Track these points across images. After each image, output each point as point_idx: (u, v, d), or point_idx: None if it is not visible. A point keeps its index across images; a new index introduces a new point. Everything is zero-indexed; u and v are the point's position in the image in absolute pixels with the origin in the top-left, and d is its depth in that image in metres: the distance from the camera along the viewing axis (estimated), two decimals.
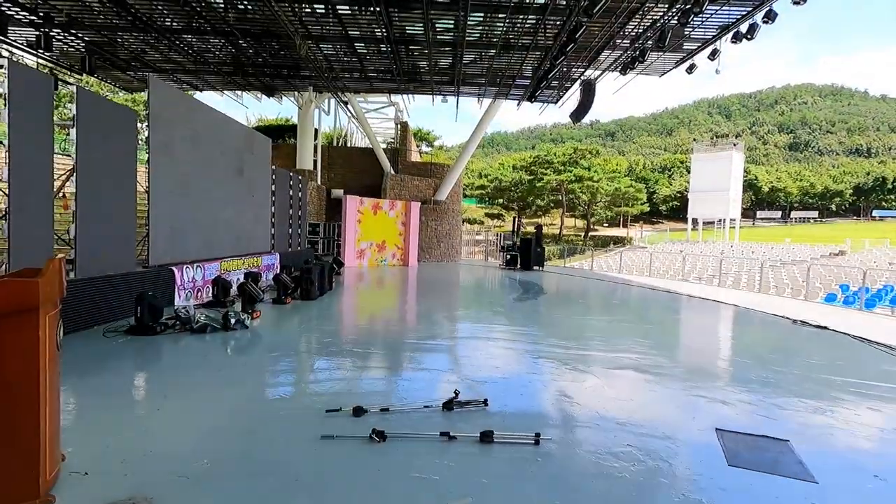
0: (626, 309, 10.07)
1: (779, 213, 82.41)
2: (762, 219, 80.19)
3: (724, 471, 2.88)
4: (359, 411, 3.41)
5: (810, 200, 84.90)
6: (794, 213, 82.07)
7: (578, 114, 14.97)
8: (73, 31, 13.17)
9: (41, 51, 13.65)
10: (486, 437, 3.09)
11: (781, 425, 3.64)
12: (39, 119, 5.07)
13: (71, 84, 16.14)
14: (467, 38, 12.95)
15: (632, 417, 3.65)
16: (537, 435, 3.12)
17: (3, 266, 4.78)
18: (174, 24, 12.67)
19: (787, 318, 8.95)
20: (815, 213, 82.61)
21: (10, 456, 2.12)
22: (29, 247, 4.85)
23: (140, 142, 6.99)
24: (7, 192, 4.73)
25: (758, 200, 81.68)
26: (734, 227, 45.19)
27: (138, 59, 15.37)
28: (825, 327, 8.01)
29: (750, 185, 74.78)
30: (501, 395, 4.04)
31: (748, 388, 4.58)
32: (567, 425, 3.49)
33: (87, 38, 13.76)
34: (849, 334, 7.53)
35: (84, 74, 15.81)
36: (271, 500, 2.36)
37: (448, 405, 3.60)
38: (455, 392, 3.69)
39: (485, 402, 3.71)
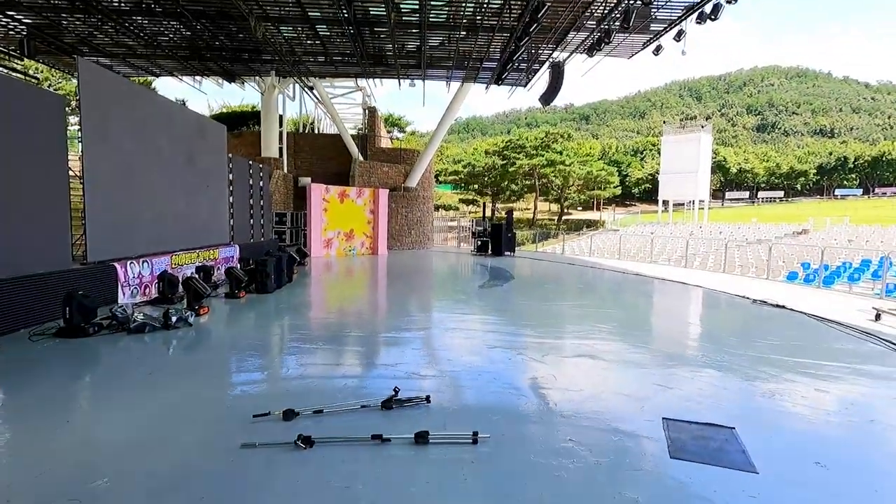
0: (590, 293, 10.05)
1: (746, 194, 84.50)
2: (731, 199, 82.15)
3: (665, 464, 2.77)
4: (289, 415, 3.20)
5: (776, 181, 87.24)
6: (760, 194, 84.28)
7: (548, 97, 14.80)
8: (10, 13, 12.33)
9: None
10: (421, 438, 2.92)
11: (729, 411, 3.57)
12: None
13: (17, 71, 15.23)
14: (433, 20, 12.60)
15: (579, 409, 3.53)
16: (475, 434, 2.97)
17: None
18: (121, 5, 11.96)
19: (748, 298, 9.05)
20: (781, 193, 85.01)
21: None
22: None
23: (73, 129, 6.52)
24: None
25: (727, 181, 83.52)
26: (703, 209, 46.07)
27: (85, 43, 14.53)
28: (783, 306, 8.11)
29: (719, 167, 76.32)
30: (447, 389, 3.89)
31: (702, 372, 4.53)
32: (510, 421, 3.34)
33: (26, 21, 12.89)
34: (805, 313, 7.63)
35: (26, 59, 14.90)
36: None
37: (387, 404, 3.42)
38: (395, 389, 3.51)
39: (427, 398, 3.54)
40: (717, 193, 79.40)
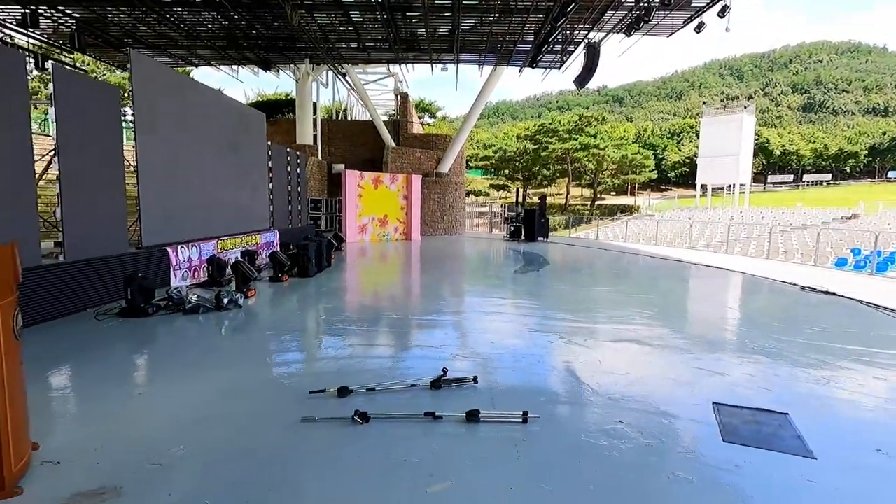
0: (629, 279, 9.91)
1: (791, 177, 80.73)
2: (773, 183, 78.67)
3: (718, 448, 2.77)
4: (343, 392, 3.33)
5: (823, 163, 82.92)
6: (806, 177, 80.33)
7: (583, 79, 14.47)
8: (61, 8, 12.85)
9: (30, 29, 13.37)
10: (472, 417, 3.00)
11: (782, 397, 3.51)
12: (14, 97, 4.90)
13: (66, 64, 15.91)
14: (466, 3, 12.46)
15: (627, 392, 3.54)
16: (525, 413, 3.03)
17: None
18: None
19: (795, 284, 8.75)
20: (829, 176, 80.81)
21: None
22: (13, 230, 4.77)
23: (126, 119, 6.81)
24: None
25: (769, 164, 79.96)
26: (744, 193, 44.36)
27: (130, 35, 15.04)
28: (833, 293, 7.82)
29: (761, 149, 73.07)
30: (493, 371, 3.95)
31: (750, 358, 4.45)
32: (558, 402, 3.39)
33: (75, 15, 13.42)
34: (858, 300, 7.34)
35: (76, 53, 15.51)
36: (241, 485, 2.29)
37: (436, 384, 3.51)
38: (443, 370, 3.60)
39: (474, 379, 3.62)
40: (759, 177, 76.14)
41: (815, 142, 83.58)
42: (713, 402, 3.36)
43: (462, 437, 2.84)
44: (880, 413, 3.32)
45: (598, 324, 5.74)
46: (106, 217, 6.23)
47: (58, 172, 5.44)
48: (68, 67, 14.98)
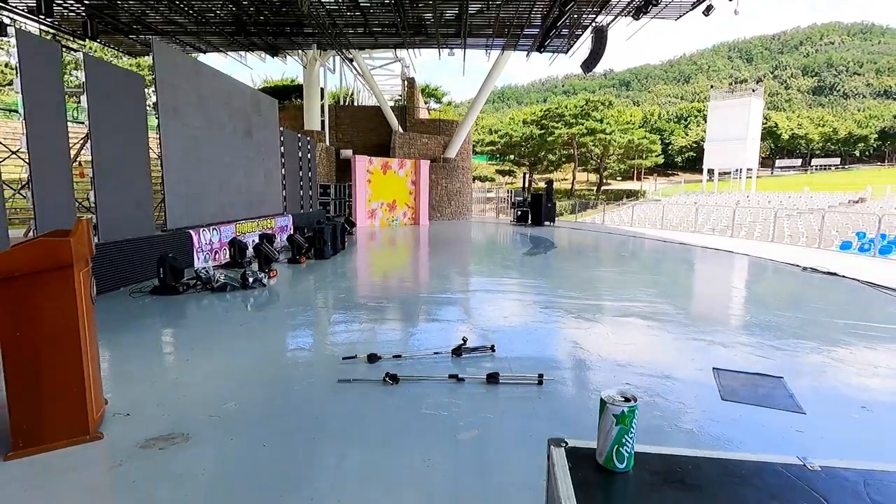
0: (635, 261, 10.15)
1: (799, 162, 80.00)
2: (781, 167, 77.99)
3: (717, 404, 3.05)
4: (373, 358, 3.63)
5: (832, 147, 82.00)
6: (815, 161, 79.55)
7: (590, 63, 14.53)
8: None
9: (42, 16, 13.54)
10: (493, 379, 3.29)
11: (777, 364, 3.78)
12: (51, 87, 5.16)
13: (75, 51, 16.09)
14: None
15: (633, 360, 3.82)
16: (540, 376, 3.31)
17: (32, 232, 5.01)
18: None
19: (798, 265, 8.97)
20: (838, 161, 79.99)
21: (59, 398, 2.36)
22: (52, 213, 5.07)
23: (148, 107, 7.05)
24: (28, 161, 4.90)
25: (777, 148, 79.17)
26: (751, 177, 44.16)
27: (139, 22, 15.19)
28: (834, 273, 8.03)
29: (769, 133, 72.30)
30: (508, 342, 4.24)
31: (750, 331, 4.72)
32: (569, 367, 3.68)
33: (86, 2, 13.59)
34: (858, 280, 7.56)
35: (87, 40, 15.68)
36: (295, 434, 2.60)
37: (457, 351, 3.80)
38: (463, 339, 3.88)
39: (492, 347, 3.91)
40: (767, 161, 75.50)
41: (824, 125, 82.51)
42: (714, 368, 3.64)
43: (484, 395, 3.14)
44: (868, 377, 3.59)
45: (604, 301, 6.00)
46: (134, 201, 6.52)
47: (91, 159, 5.71)
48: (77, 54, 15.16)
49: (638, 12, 13.39)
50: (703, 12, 14.10)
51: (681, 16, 15.19)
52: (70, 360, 2.34)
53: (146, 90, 6.96)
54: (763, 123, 52.16)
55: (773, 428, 2.75)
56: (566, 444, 0.82)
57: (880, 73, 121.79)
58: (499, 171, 60.10)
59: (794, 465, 0.78)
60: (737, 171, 44.70)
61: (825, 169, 76.64)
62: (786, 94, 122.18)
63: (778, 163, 78.69)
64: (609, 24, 14.37)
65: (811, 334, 4.61)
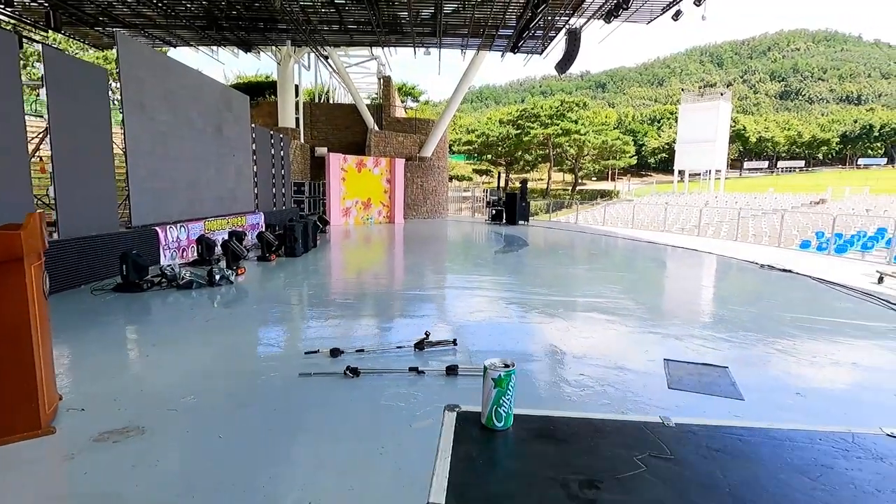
0: (602, 259, 10.40)
1: (766, 164, 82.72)
2: (749, 169, 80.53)
3: (663, 393, 3.21)
4: (335, 352, 3.68)
5: (797, 150, 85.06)
6: (780, 163, 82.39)
7: (564, 64, 14.78)
8: None
9: (2, 6, 13.09)
10: (452, 371, 3.38)
11: (725, 355, 3.98)
12: (7, 78, 5.03)
13: (37, 42, 15.57)
14: None
15: (589, 352, 3.96)
16: None
17: None
18: None
19: (757, 263, 9.33)
20: (802, 163, 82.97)
21: (11, 392, 2.35)
22: (8, 210, 4.94)
23: (114, 102, 6.92)
24: None
25: (745, 151, 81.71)
26: (720, 179, 45.50)
27: (106, 14, 14.79)
28: (790, 271, 8.40)
29: (738, 136, 74.53)
30: (471, 336, 4.34)
31: (703, 325, 4.93)
32: (528, 359, 3.79)
33: None
34: (811, 276, 7.92)
35: (50, 31, 15.21)
36: (252, 426, 2.64)
37: (419, 345, 3.88)
38: (426, 333, 3.96)
39: (454, 341, 4.00)
40: (736, 163, 77.88)
41: (789, 129, 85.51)
42: (664, 359, 3.80)
43: (442, 387, 3.22)
44: (806, 366, 3.81)
45: (569, 297, 6.17)
46: (97, 197, 6.39)
47: (50, 153, 5.59)
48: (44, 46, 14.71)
49: (609, 16, 13.67)
50: (673, 17, 14.49)
51: (652, 20, 15.56)
52: (20, 355, 2.33)
53: (111, 84, 6.83)
54: (732, 126, 53.76)
55: (712, 413, 2.91)
56: (459, 408, 0.90)
57: (843, 80, 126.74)
58: (476, 171, 60.43)
59: (653, 423, 0.88)
60: (706, 172, 45.98)
61: (790, 171, 79.42)
62: (754, 98, 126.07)
63: (746, 164, 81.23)
64: (582, 26, 14.64)
65: (760, 327, 4.84)
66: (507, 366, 0.87)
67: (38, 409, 2.42)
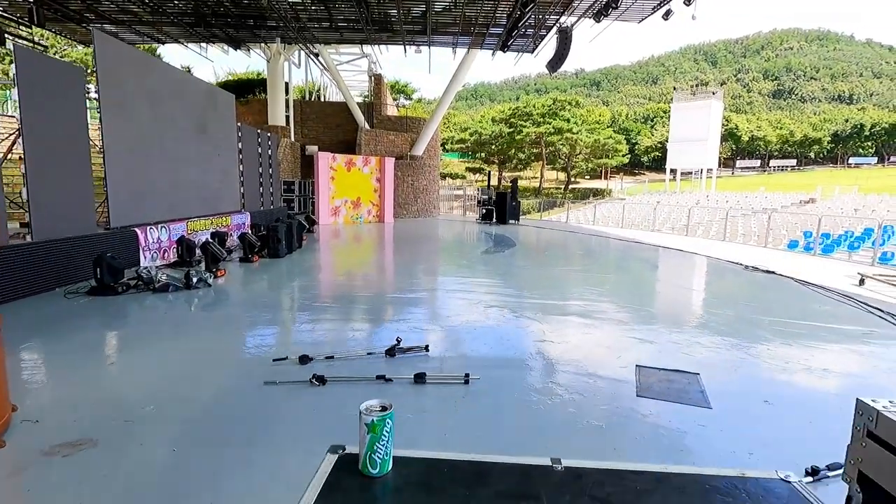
0: (588, 259, 10.39)
1: (758, 163, 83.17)
2: (742, 168, 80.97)
3: (631, 401, 3.19)
4: (304, 359, 3.63)
5: (789, 149, 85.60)
6: (773, 162, 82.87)
7: (555, 63, 14.74)
8: None
9: None
10: (420, 379, 3.35)
11: (697, 360, 3.96)
12: None
13: (24, 39, 15.35)
14: None
15: (561, 358, 3.94)
16: (466, 375, 3.39)
17: None
18: None
19: (741, 264, 9.36)
20: (794, 162, 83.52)
21: None
22: None
23: (91, 100, 6.82)
24: None
25: (738, 150, 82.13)
26: (711, 177, 45.69)
27: (91, 10, 14.61)
28: (773, 272, 8.42)
29: (730, 135, 74.91)
30: (445, 341, 4.31)
31: (681, 329, 4.92)
32: (500, 367, 3.76)
33: None
34: (793, 278, 7.95)
35: (34, 27, 14.99)
36: (208, 438, 2.59)
37: (390, 352, 3.84)
38: (397, 339, 3.92)
39: (426, 347, 3.96)
40: (728, 162, 78.28)
41: (781, 128, 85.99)
42: (636, 365, 3.79)
43: (409, 395, 3.19)
44: (777, 372, 3.80)
45: (551, 300, 6.14)
46: (72, 198, 6.30)
47: (22, 154, 5.49)
48: (28, 43, 14.53)
49: (598, 15, 13.64)
50: (663, 16, 14.50)
51: (643, 19, 15.56)
52: None
53: (87, 80, 6.73)
54: (724, 125, 54.04)
55: (678, 422, 2.89)
56: (343, 450, 0.87)
57: (835, 79, 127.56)
58: (469, 169, 60.37)
59: (542, 466, 0.85)
60: (699, 171, 46.16)
61: (782, 170, 79.93)
62: (748, 96, 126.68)
63: (738, 163, 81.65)
64: (573, 25, 14.60)
65: (736, 331, 4.84)
66: (384, 408, 0.83)
67: None
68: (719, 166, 50.07)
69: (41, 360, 3.72)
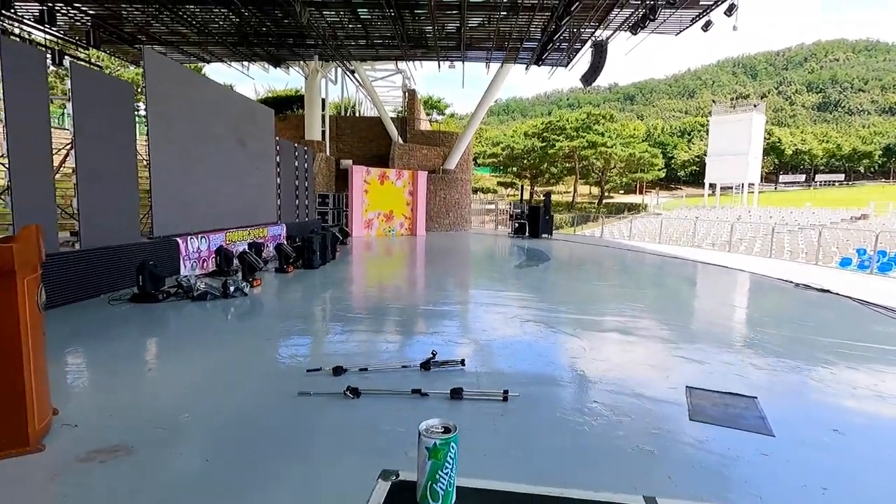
0: (625, 275, 10.06)
1: (803, 177, 79.82)
2: (785, 183, 77.86)
3: (684, 424, 2.96)
4: (338, 371, 3.56)
5: (836, 163, 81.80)
6: (819, 177, 79.34)
7: (589, 77, 14.57)
8: (77, 5, 13.20)
9: (48, 26, 13.72)
10: (456, 394, 3.22)
11: (754, 383, 3.69)
12: (35, 92, 5.18)
13: (81, 60, 16.30)
14: (472, 0, 12.62)
15: (605, 376, 3.74)
16: (505, 392, 3.24)
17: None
18: None
19: (791, 281, 8.85)
20: (842, 177, 79.73)
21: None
22: (32, 220, 5.05)
23: (139, 114, 7.09)
24: (8, 167, 4.90)
25: (781, 164, 79.07)
26: (753, 192, 44.07)
27: (143, 32, 15.37)
28: (827, 290, 7.92)
29: (772, 149, 72.24)
30: (481, 356, 4.17)
31: (731, 349, 4.63)
32: (539, 383, 3.60)
33: (91, 12, 13.77)
34: (851, 297, 7.45)
35: (91, 49, 15.88)
36: (241, 448, 2.53)
37: (425, 365, 3.73)
38: (432, 353, 3.81)
39: (462, 361, 3.83)
40: (770, 177, 75.41)
41: (828, 141, 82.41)
42: (686, 386, 3.55)
43: (445, 411, 3.06)
44: (845, 398, 3.49)
45: (589, 316, 5.92)
46: (119, 208, 6.52)
47: (74, 165, 5.72)
48: (84, 63, 15.37)
49: (636, 27, 13.42)
50: (702, 28, 14.18)
51: (680, 31, 15.25)
52: (9, 370, 2.29)
53: (136, 98, 6.99)
54: (766, 139, 52.19)
55: (738, 450, 2.65)
56: (396, 476, 0.76)
57: (885, 90, 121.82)
58: (501, 183, 60.22)
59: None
60: (739, 185, 44.62)
61: (829, 185, 76.45)
62: (790, 109, 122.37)
63: (781, 178, 78.58)
64: (608, 38, 14.42)
65: (793, 353, 4.51)
66: (446, 429, 0.72)
67: (27, 426, 2.37)
68: (761, 181, 48.28)
69: (83, 364, 3.79)
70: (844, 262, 16.56)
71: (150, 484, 2.20)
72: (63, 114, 11.68)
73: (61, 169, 8.56)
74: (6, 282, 2.25)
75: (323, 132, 20.40)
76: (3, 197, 5.10)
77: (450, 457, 0.69)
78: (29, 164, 5.08)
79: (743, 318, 6.48)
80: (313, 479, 2.28)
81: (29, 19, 13.92)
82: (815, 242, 15.61)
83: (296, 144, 13.37)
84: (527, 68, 18.01)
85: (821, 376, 3.90)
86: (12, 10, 13.18)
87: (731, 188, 46.49)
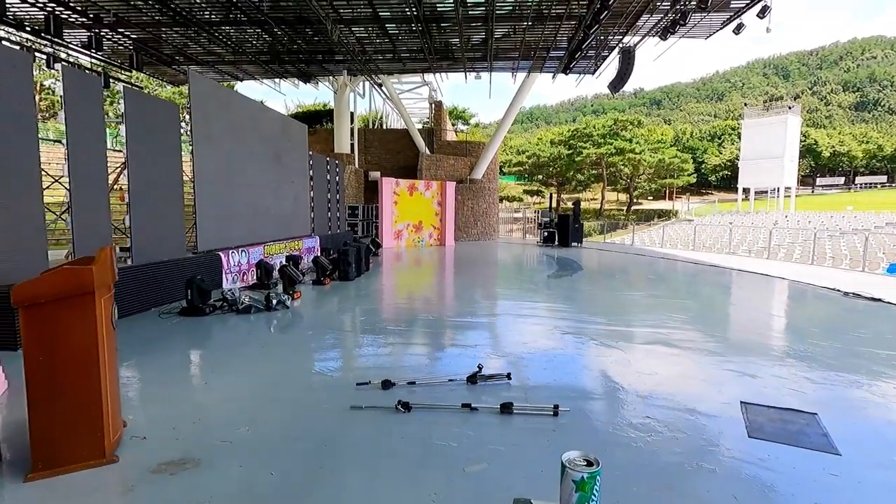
0: (662, 283, 9.87)
1: (842, 180, 76.89)
2: (822, 186, 75.15)
3: (743, 442, 2.89)
4: (387, 384, 3.61)
5: (878, 164, 78.56)
6: (858, 179, 76.30)
7: (617, 83, 14.46)
8: (121, 30, 13.87)
9: (93, 51, 14.44)
10: (506, 409, 3.22)
11: (812, 398, 3.57)
12: (92, 117, 5.47)
13: (123, 81, 17.07)
14: (498, 12, 12.73)
15: (655, 391, 3.68)
16: (556, 406, 3.22)
17: (69, 255, 5.25)
18: (212, 16, 13.11)
19: (839, 290, 8.53)
20: (884, 178, 76.47)
21: (78, 422, 2.43)
22: (90, 237, 5.31)
23: (183, 134, 7.37)
24: (69, 188, 5.17)
25: (818, 166, 76.40)
26: (789, 196, 42.67)
27: (181, 53, 16.02)
28: (879, 299, 7.60)
29: (809, 150, 69.95)
30: (526, 369, 4.15)
31: (783, 362, 4.49)
32: (588, 398, 3.56)
33: (133, 36, 14.44)
34: None
35: (133, 71, 16.62)
36: (303, 462, 2.59)
37: (472, 379, 3.74)
38: (479, 366, 3.83)
39: (508, 375, 3.83)
40: (807, 180, 72.95)
41: (867, 142, 79.29)
42: (741, 402, 3.46)
43: (496, 426, 3.07)
44: None
45: (629, 327, 5.83)
46: (167, 224, 6.78)
47: (127, 184, 5.98)
48: (129, 85, 16.08)
49: (665, 33, 13.28)
50: (734, 31, 13.94)
51: (711, 35, 15.03)
52: (89, 385, 2.41)
53: (181, 118, 7.28)
54: (801, 141, 50.55)
55: (804, 470, 2.58)
56: None
57: None
58: (527, 192, 59.96)
59: None
60: (774, 189, 43.29)
61: (871, 187, 73.43)
62: (826, 110, 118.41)
63: (819, 181, 75.91)
64: (636, 44, 14.31)
65: (851, 366, 4.35)
66: (589, 462, 0.74)
67: (103, 438, 2.48)
68: (798, 184, 46.74)
69: (141, 377, 3.94)
70: (892, 269, 15.84)
71: (220, 497, 2.27)
72: (114, 134, 12.21)
73: (114, 188, 8.96)
74: (86, 302, 2.38)
75: (352, 145, 20.77)
76: (64, 215, 5.36)
77: (595, 490, 0.71)
78: (87, 185, 5.34)
79: (791, 328, 6.28)
80: (374, 494, 2.32)
81: (76, 45, 14.68)
82: (860, 248, 14.98)
83: (328, 158, 13.65)
84: (553, 77, 18.00)
85: (883, 391, 3.74)
86: (60, 37, 13.94)
87: (766, 192, 45.14)
